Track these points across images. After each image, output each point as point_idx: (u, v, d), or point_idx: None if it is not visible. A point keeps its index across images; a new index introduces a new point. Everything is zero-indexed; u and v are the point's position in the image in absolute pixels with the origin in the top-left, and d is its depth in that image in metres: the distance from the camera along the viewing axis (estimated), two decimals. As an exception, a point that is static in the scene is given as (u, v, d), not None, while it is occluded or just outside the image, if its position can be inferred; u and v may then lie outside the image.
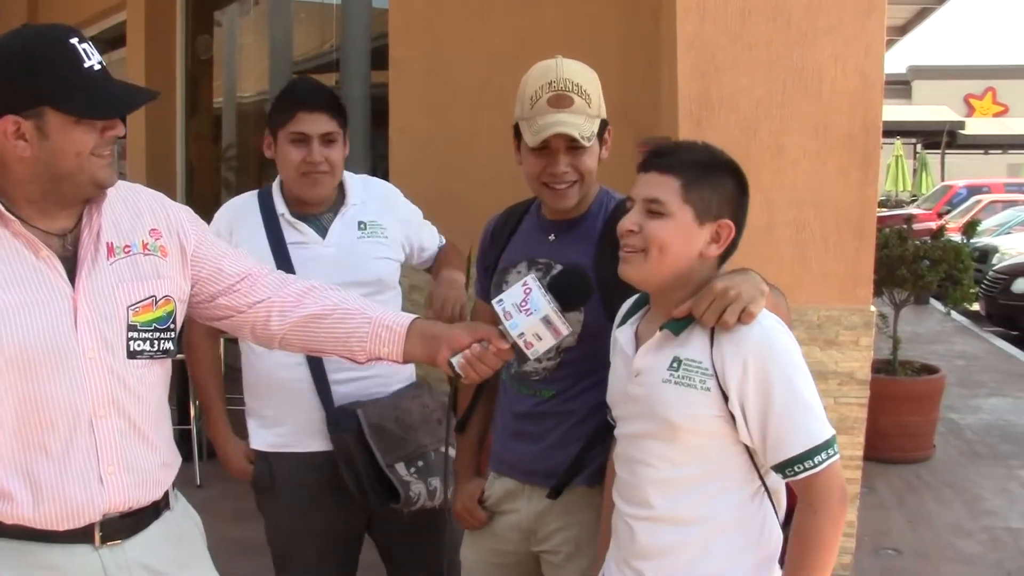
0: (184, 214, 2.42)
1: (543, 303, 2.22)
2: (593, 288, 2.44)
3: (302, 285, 2.47)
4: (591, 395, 2.70)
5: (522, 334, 2.22)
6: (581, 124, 2.66)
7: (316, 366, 3.09)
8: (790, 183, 4.12)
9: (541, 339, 2.23)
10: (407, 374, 3.29)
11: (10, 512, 2.13)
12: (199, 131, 10.80)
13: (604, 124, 2.75)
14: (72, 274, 2.17)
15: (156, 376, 2.30)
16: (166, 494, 2.36)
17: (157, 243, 2.30)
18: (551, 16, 5.34)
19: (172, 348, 2.31)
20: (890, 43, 23.59)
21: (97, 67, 2.12)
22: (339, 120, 3.14)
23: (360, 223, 3.21)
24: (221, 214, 3.27)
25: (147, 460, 2.27)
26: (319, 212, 3.20)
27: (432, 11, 6.24)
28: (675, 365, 2.25)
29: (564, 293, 2.28)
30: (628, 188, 2.80)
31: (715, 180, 2.28)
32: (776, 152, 4.12)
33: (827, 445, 2.18)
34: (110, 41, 12.56)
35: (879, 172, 4.25)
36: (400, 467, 3.07)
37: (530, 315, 2.22)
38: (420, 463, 3.12)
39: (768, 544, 2.32)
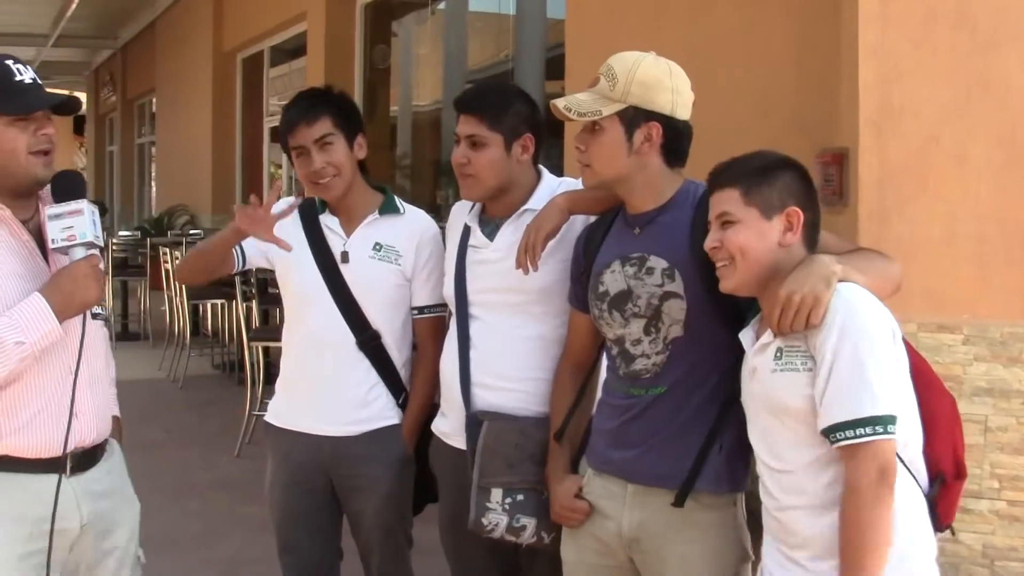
0: None
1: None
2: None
3: None
4: (705, 389, 2.63)
5: (54, 240, 2.58)
6: (580, 100, 2.66)
7: (464, 365, 3.06)
8: (973, 195, 4.01)
9: (71, 228, 2.57)
10: None
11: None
12: (375, 139, 11.04)
13: (639, 114, 2.65)
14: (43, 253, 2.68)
15: (105, 341, 2.87)
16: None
17: None
18: (727, 23, 5.30)
19: (102, 313, 2.81)
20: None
21: (28, 81, 2.61)
22: (490, 124, 3.00)
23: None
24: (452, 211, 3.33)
25: (106, 404, 2.84)
26: (502, 215, 3.09)
27: (608, 21, 6.26)
28: (778, 354, 2.36)
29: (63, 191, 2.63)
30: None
31: (771, 178, 2.42)
32: (959, 162, 4.02)
33: (873, 421, 2.21)
34: (292, 51, 13.03)
35: (1065, 185, 4.09)
36: (496, 492, 2.94)
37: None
38: (520, 496, 2.95)
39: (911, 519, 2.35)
